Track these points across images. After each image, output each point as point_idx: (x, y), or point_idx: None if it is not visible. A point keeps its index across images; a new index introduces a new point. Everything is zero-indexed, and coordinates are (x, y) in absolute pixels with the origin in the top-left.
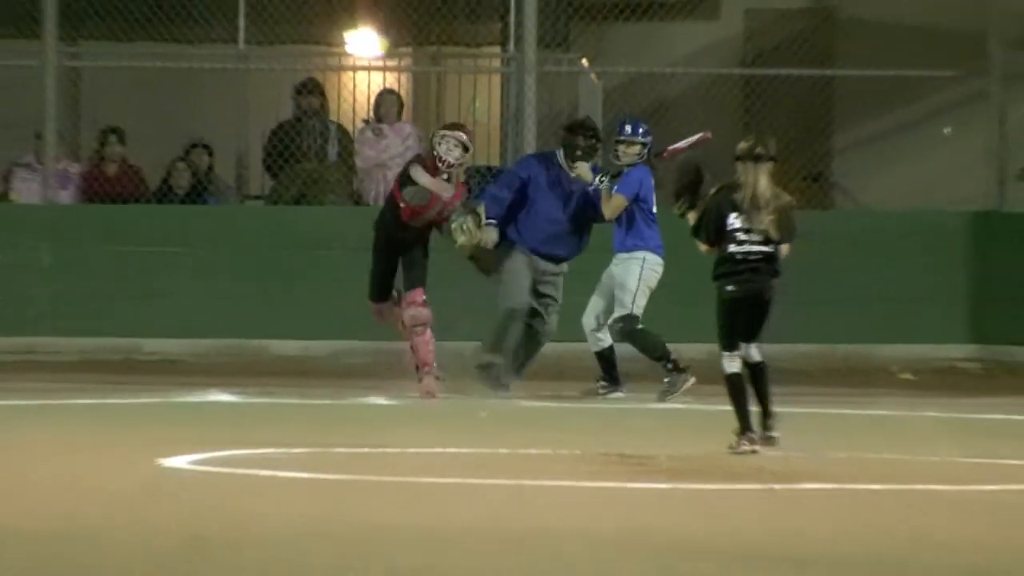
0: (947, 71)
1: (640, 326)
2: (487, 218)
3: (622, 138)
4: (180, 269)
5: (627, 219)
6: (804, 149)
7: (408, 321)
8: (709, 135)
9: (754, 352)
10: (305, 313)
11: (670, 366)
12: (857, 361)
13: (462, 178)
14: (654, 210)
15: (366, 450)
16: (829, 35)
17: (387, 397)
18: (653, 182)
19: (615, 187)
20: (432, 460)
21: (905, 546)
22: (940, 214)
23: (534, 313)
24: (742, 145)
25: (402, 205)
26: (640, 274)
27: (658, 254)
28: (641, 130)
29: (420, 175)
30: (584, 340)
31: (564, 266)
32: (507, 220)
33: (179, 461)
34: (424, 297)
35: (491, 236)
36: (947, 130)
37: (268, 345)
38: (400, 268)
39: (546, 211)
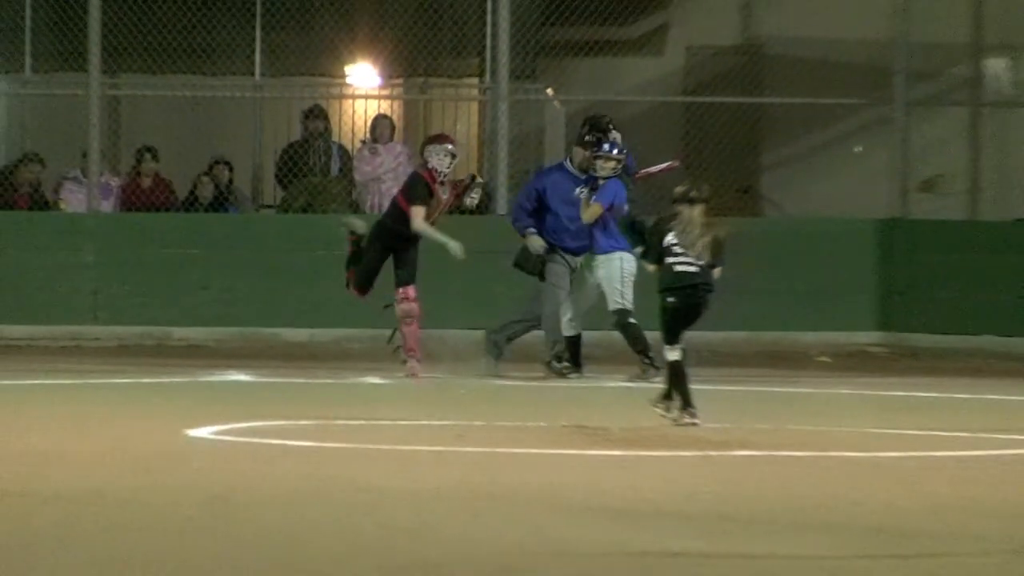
0: (858, 99)
1: (632, 320)
2: (523, 229)
3: (600, 154)
4: (204, 268)
5: (603, 224)
6: (736, 165)
7: (400, 314)
8: (677, 163)
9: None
10: (311, 305)
11: (647, 361)
12: (781, 346)
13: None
14: None
15: (363, 422)
16: (758, 69)
17: (382, 377)
18: (627, 194)
19: (593, 197)
20: (419, 431)
21: (822, 505)
22: (852, 221)
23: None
24: (679, 189)
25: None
26: (621, 273)
27: (632, 252)
28: (616, 149)
29: (425, 229)
30: None
31: (578, 260)
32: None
33: (203, 432)
34: (415, 293)
35: (535, 243)
36: (858, 149)
37: (280, 333)
38: (393, 266)
39: (565, 212)
